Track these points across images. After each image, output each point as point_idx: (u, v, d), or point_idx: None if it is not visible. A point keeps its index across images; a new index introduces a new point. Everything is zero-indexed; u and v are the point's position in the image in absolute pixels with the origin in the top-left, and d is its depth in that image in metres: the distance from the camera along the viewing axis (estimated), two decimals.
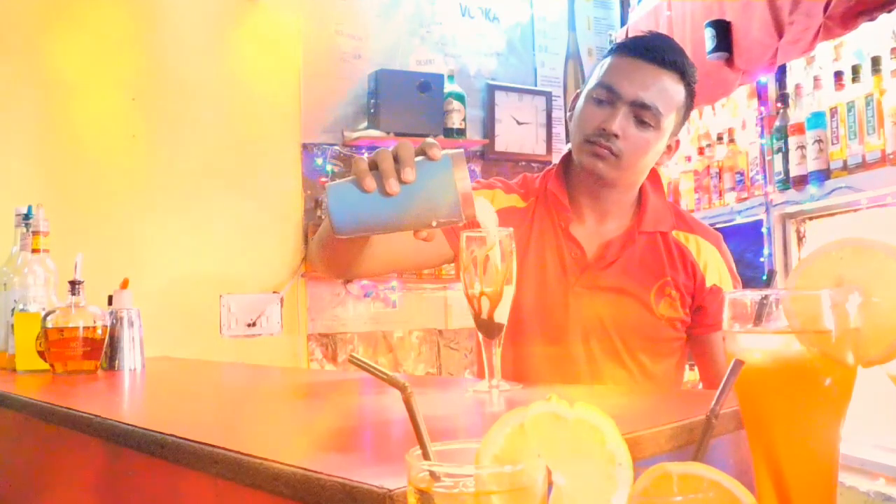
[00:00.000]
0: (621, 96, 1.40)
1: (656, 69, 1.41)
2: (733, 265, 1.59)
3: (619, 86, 1.40)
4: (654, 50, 1.42)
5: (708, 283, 1.50)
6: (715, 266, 1.52)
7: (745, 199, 3.03)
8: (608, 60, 1.47)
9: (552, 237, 1.49)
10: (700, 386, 1.72)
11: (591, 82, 1.47)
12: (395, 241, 1.29)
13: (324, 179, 3.24)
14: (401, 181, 1.02)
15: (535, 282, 1.46)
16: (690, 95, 1.48)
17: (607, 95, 1.42)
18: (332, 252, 1.33)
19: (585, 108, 1.45)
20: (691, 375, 3.54)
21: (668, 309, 1.47)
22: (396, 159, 1.05)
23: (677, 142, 1.50)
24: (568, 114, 1.58)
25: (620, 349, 1.46)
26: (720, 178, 3.19)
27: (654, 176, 1.55)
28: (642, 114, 1.39)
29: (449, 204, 1.03)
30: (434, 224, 1.04)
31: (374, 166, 1.06)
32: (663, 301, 1.46)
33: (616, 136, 1.39)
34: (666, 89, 1.41)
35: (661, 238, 1.51)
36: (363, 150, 3.31)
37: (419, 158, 1.04)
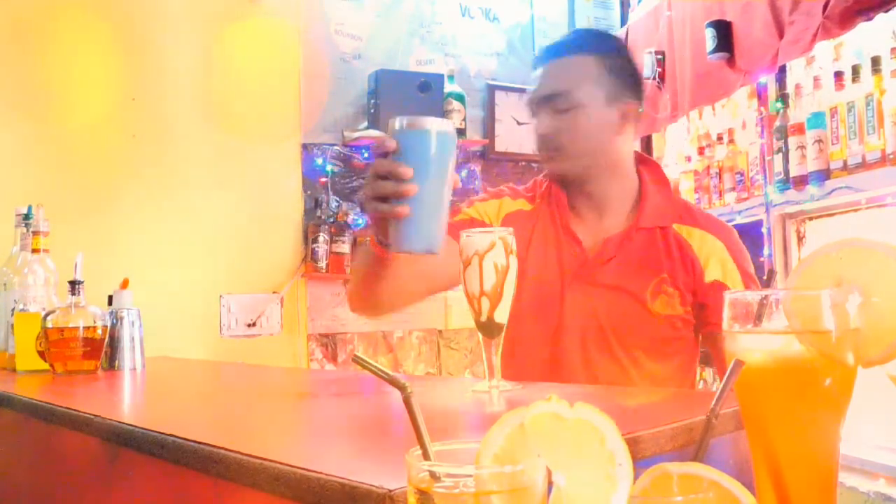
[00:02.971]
0: (535, 101, 1.50)
1: (550, 62, 1.48)
2: (746, 260, 1.54)
3: (531, 95, 1.51)
4: (545, 51, 1.52)
5: (708, 279, 1.47)
6: (718, 261, 1.49)
7: (745, 199, 3.02)
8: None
9: (553, 235, 1.51)
10: (714, 386, 1.72)
11: None
12: (430, 263, 1.27)
13: (324, 179, 3.24)
14: (403, 182, 1.06)
15: (535, 278, 1.47)
16: (608, 58, 1.49)
17: (531, 109, 1.53)
18: (380, 282, 1.33)
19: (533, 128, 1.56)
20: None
21: (664, 307, 1.45)
22: (382, 175, 1.10)
23: (632, 107, 1.49)
24: None
25: (616, 347, 1.45)
26: (720, 178, 3.19)
27: (655, 170, 1.57)
28: (554, 104, 1.46)
29: (444, 143, 1.11)
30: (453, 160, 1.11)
31: (380, 198, 1.10)
32: (660, 298, 1.46)
33: (549, 136, 1.47)
34: (566, 70, 1.47)
35: (660, 233, 1.50)
36: (363, 151, 3.31)
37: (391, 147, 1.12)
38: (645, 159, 1.59)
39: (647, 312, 1.45)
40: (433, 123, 1.12)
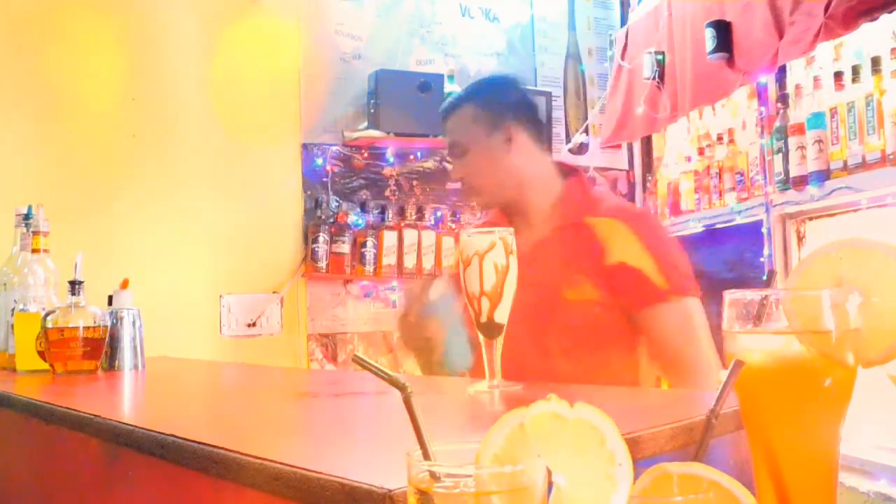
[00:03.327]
0: (446, 156, 1.90)
1: (447, 119, 1.75)
2: (658, 243, 1.60)
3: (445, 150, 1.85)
4: (441, 113, 1.78)
5: (610, 261, 1.54)
6: (621, 243, 1.55)
7: (745, 199, 3.02)
8: None
9: None
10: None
11: None
12: None
13: (324, 179, 3.24)
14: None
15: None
16: (482, 101, 1.73)
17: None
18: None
19: None
20: None
21: (577, 294, 1.55)
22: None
23: (512, 128, 1.69)
24: None
25: (548, 340, 1.54)
26: (720, 178, 3.19)
27: (577, 176, 1.73)
28: (454, 152, 1.73)
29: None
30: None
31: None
32: (573, 288, 1.56)
33: (460, 180, 1.75)
34: (452, 127, 1.74)
35: (574, 229, 1.62)
36: (363, 150, 3.31)
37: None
38: (570, 169, 1.76)
39: (565, 301, 1.55)
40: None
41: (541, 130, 1.75)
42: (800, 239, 2.85)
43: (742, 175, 3.06)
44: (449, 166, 3.38)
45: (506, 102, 1.72)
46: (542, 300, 1.55)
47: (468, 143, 1.70)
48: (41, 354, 1.73)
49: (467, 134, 1.70)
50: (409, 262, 3.26)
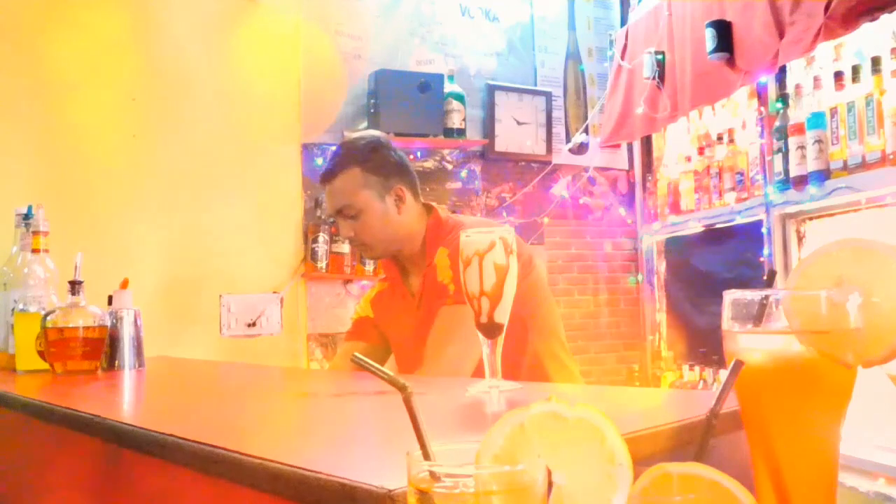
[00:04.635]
0: (333, 215, 1.92)
1: (331, 183, 1.87)
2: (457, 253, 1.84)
3: (328, 210, 1.97)
4: (325, 173, 1.89)
5: (440, 280, 1.81)
6: (442, 266, 1.81)
7: (745, 199, 3.03)
8: None
9: (400, 298, 1.94)
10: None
11: None
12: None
13: None
14: None
15: (399, 336, 1.93)
16: (369, 164, 1.86)
17: (333, 218, 2.11)
18: None
19: None
20: (691, 376, 3.54)
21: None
22: None
23: (400, 190, 1.87)
24: None
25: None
26: (720, 178, 3.19)
27: (433, 214, 1.91)
28: (345, 213, 1.85)
29: None
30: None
31: None
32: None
33: (351, 238, 1.88)
34: (341, 189, 1.85)
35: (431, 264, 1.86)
36: None
37: None
38: (428, 207, 1.94)
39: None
40: None
41: (417, 183, 1.94)
42: (800, 239, 2.85)
43: (742, 175, 3.06)
44: (449, 166, 3.41)
45: (391, 164, 1.88)
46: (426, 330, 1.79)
47: (361, 207, 1.84)
48: (41, 354, 1.72)
49: (358, 197, 1.83)
50: None
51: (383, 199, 1.85)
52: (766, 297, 0.60)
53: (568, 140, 3.81)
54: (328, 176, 1.88)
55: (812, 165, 2.54)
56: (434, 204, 1.97)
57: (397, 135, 3.19)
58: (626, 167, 3.95)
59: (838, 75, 2.49)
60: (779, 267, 2.80)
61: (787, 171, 2.68)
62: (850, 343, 0.58)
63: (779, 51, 2.57)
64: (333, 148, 3.28)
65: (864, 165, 2.37)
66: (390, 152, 1.91)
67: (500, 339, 1.11)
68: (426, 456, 0.49)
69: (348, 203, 1.84)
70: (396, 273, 1.96)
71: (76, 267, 1.73)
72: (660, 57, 3.28)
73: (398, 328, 1.94)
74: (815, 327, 0.58)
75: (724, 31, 2.81)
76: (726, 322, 0.61)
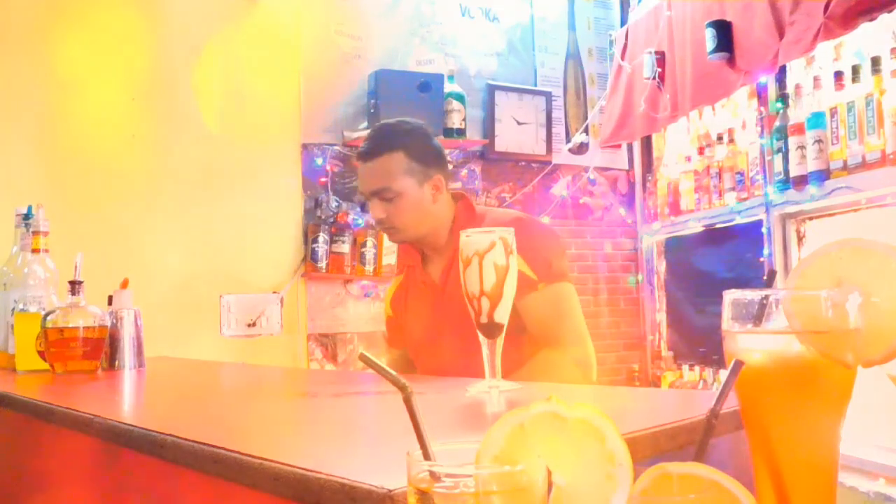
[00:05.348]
0: (367, 194, 1.89)
1: (372, 162, 1.84)
2: (525, 241, 1.87)
3: (361, 187, 1.93)
4: (365, 152, 1.86)
5: None
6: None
7: (745, 199, 3.02)
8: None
9: (420, 285, 1.93)
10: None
11: None
12: None
13: (324, 179, 3.25)
14: None
15: (418, 325, 1.92)
16: (413, 150, 1.85)
17: (363, 196, 2.00)
18: None
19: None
20: (691, 376, 3.54)
21: None
22: None
23: (439, 179, 1.87)
24: None
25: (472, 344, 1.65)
26: (720, 178, 3.19)
27: (465, 202, 1.93)
28: (382, 195, 1.83)
29: None
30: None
31: None
32: None
33: (383, 220, 1.86)
34: (385, 169, 1.83)
35: None
36: None
37: None
38: (458, 195, 1.95)
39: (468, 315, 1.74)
40: None
41: (450, 174, 1.95)
42: (800, 239, 2.85)
43: (742, 175, 3.06)
44: (449, 166, 3.41)
45: (433, 153, 1.89)
46: (461, 313, 1.69)
47: (400, 191, 1.83)
48: (41, 354, 1.72)
49: (398, 182, 1.82)
50: None
51: (421, 187, 1.84)
52: (766, 297, 0.60)
53: (568, 140, 3.81)
54: (369, 155, 1.86)
55: (812, 165, 2.54)
56: (463, 192, 1.95)
57: None
58: (626, 167, 3.95)
59: (838, 75, 2.49)
60: (779, 267, 2.80)
61: (787, 171, 2.68)
62: (850, 343, 0.58)
63: (779, 51, 2.57)
64: (334, 148, 3.32)
65: (864, 165, 2.37)
66: (432, 141, 1.91)
67: (500, 339, 1.11)
68: (426, 456, 0.49)
69: (387, 186, 1.82)
70: (418, 259, 1.95)
71: (76, 267, 1.74)
72: (660, 57, 3.28)
73: (416, 318, 1.94)
74: (814, 327, 0.58)
75: (724, 31, 2.81)
76: (726, 322, 0.61)
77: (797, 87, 2.71)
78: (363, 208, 3.28)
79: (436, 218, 1.88)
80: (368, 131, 2.04)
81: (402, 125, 1.92)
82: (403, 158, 1.84)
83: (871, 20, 2.25)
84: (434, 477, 0.47)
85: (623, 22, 3.86)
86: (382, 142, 1.86)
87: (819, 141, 2.51)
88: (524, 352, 1.75)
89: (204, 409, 1.22)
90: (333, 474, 0.60)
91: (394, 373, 0.53)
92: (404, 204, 1.83)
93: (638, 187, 3.92)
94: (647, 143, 3.87)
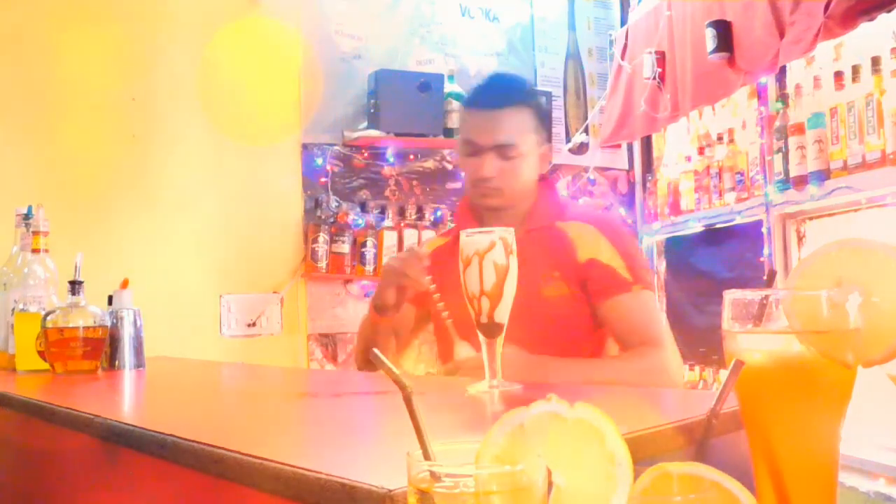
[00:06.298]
0: (482, 146, 1.65)
1: (500, 112, 1.64)
2: (622, 240, 1.73)
3: (477, 138, 1.66)
4: (493, 98, 1.66)
5: (581, 258, 1.66)
6: (589, 242, 1.68)
7: (745, 199, 3.02)
8: (463, 114, 1.75)
9: None
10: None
11: (459, 134, 1.76)
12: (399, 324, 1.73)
13: (324, 179, 3.25)
14: None
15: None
16: (540, 111, 1.71)
17: (472, 148, 1.68)
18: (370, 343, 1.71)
19: (462, 160, 1.74)
20: (691, 376, 3.54)
21: (553, 290, 1.66)
22: None
23: (549, 148, 1.74)
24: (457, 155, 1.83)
25: (527, 334, 1.53)
26: (720, 178, 3.19)
27: (547, 182, 1.79)
28: (504, 151, 1.63)
29: None
30: None
31: None
32: (550, 284, 1.66)
33: (492, 178, 1.64)
34: (515, 123, 1.64)
35: (546, 231, 1.70)
36: (363, 150, 3.31)
37: None
38: (541, 175, 1.78)
39: (542, 298, 1.64)
40: None
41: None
42: (800, 239, 2.85)
43: (742, 175, 3.06)
44: (449, 166, 3.39)
45: (551, 120, 1.72)
46: (522, 297, 1.59)
47: (524, 151, 1.64)
48: (41, 354, 1.72)
49: (525, 139, 1.64)
50: None
51: (540, 148, 1.69)
52: (766, 297, 0.60)
53: (568, 140, 3.81)
54: (493, 102, 1.64)
55: (812, 165, 2.54)
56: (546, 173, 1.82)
57: (397, 135, 3.19)
58: (626, 167, 3.95)
59: (838, 75, 2.49)
60: (779, 267, 2.80)
61: (787, 171, 2.68)
62: (850, 343, 0.58)
63: (779, 51, 2.57)
64: (334, 148, 3.31)
65: (864, 165, 2.37)
66: (550, 107, 1.78)
67: (500, 339, 1.11)
68: (426, 456, 0.49)
69: (513, 143, 1.62)
70: (475, 225, 1.73)
71: (76, 267, 1.74)
72: (660, 57, 3.28)
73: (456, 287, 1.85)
74: (815, 327, 0.58)
75: (724, 31, 2.81)
76: (726, 322, 0.61)
77: (797, 87, 2.71)
78: (363, 208, 3.28)
79: (532, 191, 1.72)
80: (482, 80, 1.81)
81: (524, 82, 1.75)
82: (532, 116, 1.66)
83: (871, 20, 2.25)
84: (434, 477, 0.47)
85: (623, 22, 3.86)
86: (509, 93, 1.67)
87: (819, 141, 2.51)
88: (600, 347, 1.70)
89: (204, 409, 1.22)
90: (333, 474, 0.60)
91: (398, 371, 0.53)
92: (521, 166, 1.64)
93: (638, 187, 3.92)
94: (647, 143, 3.87)
